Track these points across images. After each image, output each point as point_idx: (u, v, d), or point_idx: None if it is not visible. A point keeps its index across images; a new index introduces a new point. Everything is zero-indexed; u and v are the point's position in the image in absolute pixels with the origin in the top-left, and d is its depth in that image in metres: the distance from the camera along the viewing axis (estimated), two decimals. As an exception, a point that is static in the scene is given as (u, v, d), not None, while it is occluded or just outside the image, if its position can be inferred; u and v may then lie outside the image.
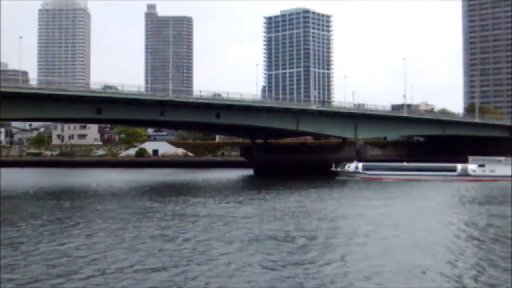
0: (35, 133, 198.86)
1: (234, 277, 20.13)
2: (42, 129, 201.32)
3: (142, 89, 74.50)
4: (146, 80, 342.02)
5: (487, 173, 78.22)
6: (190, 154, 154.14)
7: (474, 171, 79.01)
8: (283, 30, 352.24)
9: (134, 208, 42.29)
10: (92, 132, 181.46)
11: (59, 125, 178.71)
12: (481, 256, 23.83)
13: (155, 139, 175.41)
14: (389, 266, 21.59)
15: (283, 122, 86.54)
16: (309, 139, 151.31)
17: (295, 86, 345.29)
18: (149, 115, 72.82)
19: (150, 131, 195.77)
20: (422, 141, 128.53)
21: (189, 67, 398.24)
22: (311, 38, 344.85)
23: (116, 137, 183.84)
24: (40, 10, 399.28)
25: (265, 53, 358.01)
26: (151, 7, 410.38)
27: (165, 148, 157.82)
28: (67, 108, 64.44)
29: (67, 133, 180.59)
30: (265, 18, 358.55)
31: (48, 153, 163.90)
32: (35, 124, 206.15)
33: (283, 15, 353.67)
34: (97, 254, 23.84)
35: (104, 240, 27.27)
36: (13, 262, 22.31)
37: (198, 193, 57.71)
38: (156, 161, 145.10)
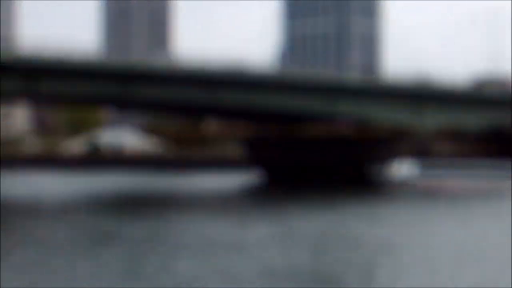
0: None
1: None
2: None
3: (96, 52, 74.43)
4: (105, 41, 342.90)
5: None
6: (168, 149, 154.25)
7: None
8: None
9: (85, 232, 42.51)
10: (20, 115, 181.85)
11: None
12: None
13: (116, 127, 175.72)
14: None
15: (308, 103, 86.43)
16: (345, 129, 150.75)
17: (326, 47, 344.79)
18: (106, 91, 72.72)
19: (110, 114, 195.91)
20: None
21: (167, 23, 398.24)
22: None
23: (61, 123, 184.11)
24: None
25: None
26: None
27: (131, 140, 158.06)
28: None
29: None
30: None
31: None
32: None
33: None
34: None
35: (36, 281, 27.11)
36: None
37: (183, 209, 58.19)
38: (118, 159, 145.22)
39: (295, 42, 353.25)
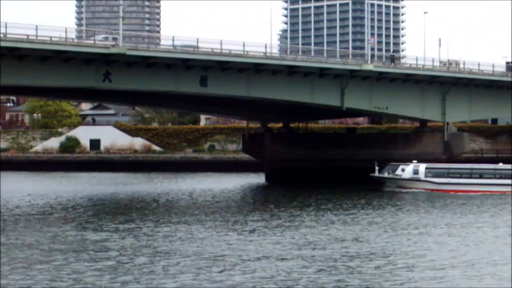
0: None
1: None
2: None
3: (73, 36, 74.18)
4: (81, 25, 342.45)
5: None
6: (155, 147, 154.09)
7: None
8: None
9: (64, 242, 42.44)
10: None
11: None
12: None
13: (94, 122, 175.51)
14: None
15: (317, 93, 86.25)
16: (362, 122, 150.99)
17: (337, 30, 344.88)
18: (84, 80, 72.58)
19: (86, 107, 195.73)
20: None
21: (154, 3, 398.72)
22: None
23: (27, 119, 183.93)
24: None
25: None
26: None
27: (112, 137, 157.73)
28: None
29: None
30: None
31: None
32: None
33: None
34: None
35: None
36: None
37: (177, 215, 58.22)
38: (96, 159, 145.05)
39: (302, 22, 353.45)
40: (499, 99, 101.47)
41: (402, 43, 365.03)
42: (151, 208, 67.07)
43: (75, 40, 73.99)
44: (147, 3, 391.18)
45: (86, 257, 37.53)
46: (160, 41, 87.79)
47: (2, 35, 64.88)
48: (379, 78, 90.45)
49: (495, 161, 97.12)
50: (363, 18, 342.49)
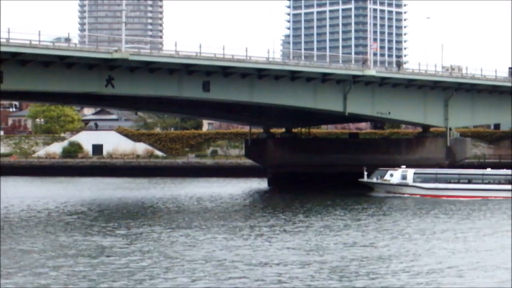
0: None
1: None
2: None
3: (76, 41, 74.13)
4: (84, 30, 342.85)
5: None
6: (158, 152, 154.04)
7: None
8: None
9: (69, 247, 42.55)
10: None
11: None
12: None
13: (97, 127, 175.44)
14: None
15: (319, 98, 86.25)
16: (364, 127, 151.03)
17: (340, 35, 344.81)
18: (86, 85, 72.62)
19: (88, 112, 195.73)
20: None
21: (156, 8, 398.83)
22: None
23: (29, 124, 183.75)
24: None
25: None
26: None
27: (114, 142, 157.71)
28: None
29: None
30: None
31: None
32: None
33: None
34: None
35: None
36: None
37: (181, 220, 58.54)
38: (99, 164, 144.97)
39: (304, 28, 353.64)
40: (502, 105, 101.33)
41: (405, 48, 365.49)
42: (165, 213, 67.61)
43: (77, 45, 74.05)
44: (149, 8, 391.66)
45: (106, 260, 37.92)
46: (162, 46, 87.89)
47: (4, 40, 64.96)
48: (382, 83, 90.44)
49: (497, 166, 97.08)
50: (365, 23, 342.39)
